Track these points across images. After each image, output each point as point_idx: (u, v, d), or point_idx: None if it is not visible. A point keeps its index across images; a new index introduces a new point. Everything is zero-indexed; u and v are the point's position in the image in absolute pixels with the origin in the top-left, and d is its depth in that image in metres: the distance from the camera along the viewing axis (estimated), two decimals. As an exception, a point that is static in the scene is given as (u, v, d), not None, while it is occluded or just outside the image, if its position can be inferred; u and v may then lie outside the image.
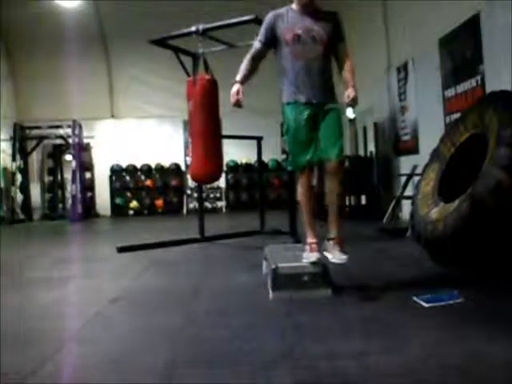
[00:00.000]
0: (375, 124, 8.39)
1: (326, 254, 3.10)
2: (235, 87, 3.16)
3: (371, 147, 8.57)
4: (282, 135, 3.44)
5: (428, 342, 2.13)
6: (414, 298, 2.76)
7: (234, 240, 5.90)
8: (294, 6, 3.25)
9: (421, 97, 6.90)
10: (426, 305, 2.65)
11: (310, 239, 3.18)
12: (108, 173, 12.11)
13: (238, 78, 3.20)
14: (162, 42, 5.59)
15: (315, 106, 3.15)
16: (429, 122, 6.55)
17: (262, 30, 3.26)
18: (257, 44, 3.26)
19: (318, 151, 3.16)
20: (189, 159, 9.37)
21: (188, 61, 5.53)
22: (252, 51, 3.25)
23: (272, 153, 10.91)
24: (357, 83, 3.17)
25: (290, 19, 3.17)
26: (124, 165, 12.15)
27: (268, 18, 3.27)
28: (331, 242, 3.10)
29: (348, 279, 3.30)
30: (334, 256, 3.03)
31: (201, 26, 5.10)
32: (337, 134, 3.16)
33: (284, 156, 11.04)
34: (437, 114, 6.12)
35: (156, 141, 12.03)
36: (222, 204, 12.21)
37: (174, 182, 12.17)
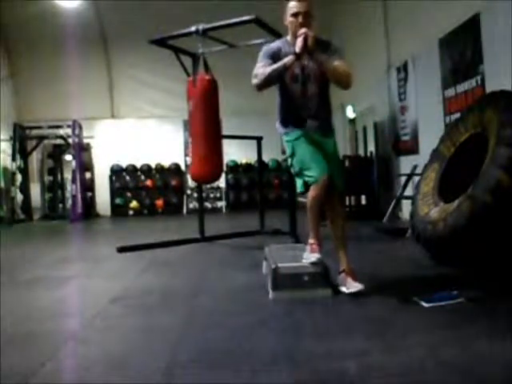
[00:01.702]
0: (375, 124, 8.39)
1: (340, 288, 3.05)
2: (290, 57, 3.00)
3: (371, 147, 8.57)
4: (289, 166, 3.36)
5: (428, 341, 2.13)
6: (414, 298, 2.76)
7: (233, 240, 5.90)
8: (289, 37, 3.19)
9: (421, 97, 6.90)
10: (426, 305, 2.65)
11: (311, 240, 3.17)
12: (108, 173, 12.11)
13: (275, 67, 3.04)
14: (162, 42, 5.59)
15: (314, 137, 3.18)
16: (429, 122, 6.55)
17: (264, 57, 3.12)
18: (260, 70, 3.08)
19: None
20: (189, 159, 9.37)
21: (188, 61, 5.53)
22: (261, 72, 3.07)
23: (272, 153, 10.92)
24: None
25: (288, 55, 3.06)
26: (124, 165, 12.15)
27: (267, 49, 3.18)
28: (343, 274, 3.08)
29: (348, 279, 3.29)
30: (349, 286, 2.99)
31: (201, 26, 5.09)
32: (339, 169, 3.24)
33: (284, 156, 11.08)
34: (437, 114, 6.12)
35: (156, 141, 12.02)
36: (222, 204, 12.21)
37: (173, 182, 12.17)
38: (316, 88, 3.17)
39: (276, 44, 3.23)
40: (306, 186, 3.15)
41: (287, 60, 3.01)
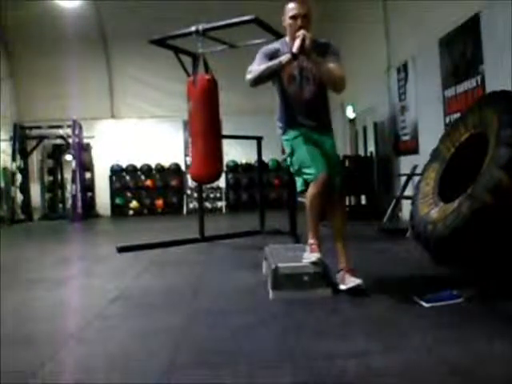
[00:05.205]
0: (375, 124, 8.39)
1: (339, 287, 3.03)
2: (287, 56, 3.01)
3: (371, 147, 8.57)
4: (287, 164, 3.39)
5: (428, 341, 2.13)
6: (414, 298, 2.76)
7: (233, 240, 5.90)
8: (287, 38, 3.20)
9: (421, 97, 6.90)
10: (426, 305, 2.65)
11: (311, 240, 3.17)
12: (108, 173, 12.11)
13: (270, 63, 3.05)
14: (161, 42, 5.59)
15: (313, 135, 3.19)
16: (429, 121, 6.55)
17: (261, 56, 3.14)
18: (255, 67, 3.10)
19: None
20: (189, 159, 9.36)
21: (188, 61, 5.53)
22: (255, 69, 3.09)
23: (272, 153, 10.92)
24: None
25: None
26: (124, 165, 12.15)
27: (265, 49, 3.20)
28: (342, 272, 3.07)
29: (348, 279, 3.29)
30: (348, 282, 2.97)
31: (201, 26, 5.09)
32: (337, 167, 3.24)
33: (283, 156, 11.07)
34: (437, 113, 6.12)
35: (156, 141, 12.03)
36: (221, 204, 12.21)
37: (173, 182, 12.17)
38: (314, 89, 3.18)
39: (274, 45, 3.26)
40: (306, 184, 3.15)
41: (283, 58, 3.03)
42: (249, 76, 3.11)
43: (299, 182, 3.22)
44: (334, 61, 3.10)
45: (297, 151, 3.17)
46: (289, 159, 3.26)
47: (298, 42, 2.95)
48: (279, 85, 3.23)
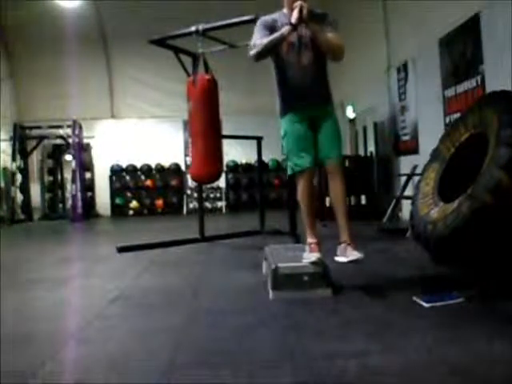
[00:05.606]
0: (375, 124, 8.39)
1: (337, 259, 3.07)
2: (287, 28, 3.05)
3: (371, 147, 8.57)
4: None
5: (428, 341, 2.13)
6: (414, 298, 2.76)
7: (233, 240, 5.90)
8: (285, 10, 3.24)
9: (421, 97, 6.90)
10: (426, 305, 2.65)
11: (310, 239, 3.17)
12: (108, 173, 12.11)
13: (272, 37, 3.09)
14: (161, 42, 5.59)
15: (312, 111, 3.19)
16: (429, 121, 6.55)
17: (261, 29, 3.18)
18: (257, 42, 3.15)
19: (318, 153, 3.18)
20: (189, 159, 9.37)
21: (188, 61, 5.53)
22: (258, 43, 3.13)
23: (272, 153, 10.92)
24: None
25: (284, 26, 3.11)
26: (124, 165, 12.16)
27: (262, 21, 3.23)
28: (343, 245, 3.09)
29: (348, 279, 3.30)
30: (349, 255, 3.00)
31: (201, 26, 5.10)
32: (336, 139, 3.23)
33: (284, 156, 11.07)
34: (437, 113, 6.13)
35: (156, 141, 12.03)
36: (221, 204, 12.21)
37: (173, 182, 12.17)
38: (313, 57, 3.19)
39: (271, 16, 3.27)
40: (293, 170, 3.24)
41: (284, 30, 3.07)
42: (253, 51, 3.14)
43: (288, 165, 3.30)
44: (332, 31, 3.16)
45: (289, 138, 3.22)
46: (282, 140, 3.31)
47: (295, 13, 3.00)
48: (277, 56, 3.22)
